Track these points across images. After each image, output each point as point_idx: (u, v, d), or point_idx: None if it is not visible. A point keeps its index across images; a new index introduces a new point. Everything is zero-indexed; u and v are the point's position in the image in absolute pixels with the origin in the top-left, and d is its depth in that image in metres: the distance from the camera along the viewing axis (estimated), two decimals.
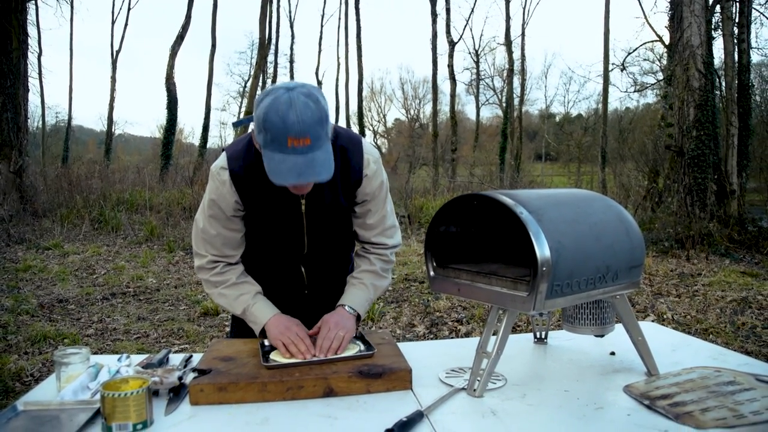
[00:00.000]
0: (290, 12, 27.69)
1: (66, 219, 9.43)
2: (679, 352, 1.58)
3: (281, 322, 1.50)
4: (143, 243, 8.33)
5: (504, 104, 24.87)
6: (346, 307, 1.58)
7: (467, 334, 4.16)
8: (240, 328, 1.69)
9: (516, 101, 25.65)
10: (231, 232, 1.57)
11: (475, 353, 1.31)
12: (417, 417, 1.12)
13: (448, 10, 22.24)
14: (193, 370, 1.35)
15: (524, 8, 27.80)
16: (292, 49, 27.01)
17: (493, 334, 1.32)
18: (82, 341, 3.98)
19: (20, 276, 6.05)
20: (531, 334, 1.71)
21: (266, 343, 1.48)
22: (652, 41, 14.49)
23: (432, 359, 1.52)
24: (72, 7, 23.54)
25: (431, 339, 4.15)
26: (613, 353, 1.56)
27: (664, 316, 4.24)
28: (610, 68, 16.40)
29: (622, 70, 16.03)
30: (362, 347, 1.45)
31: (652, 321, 4.16)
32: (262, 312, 1.54)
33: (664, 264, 6.02)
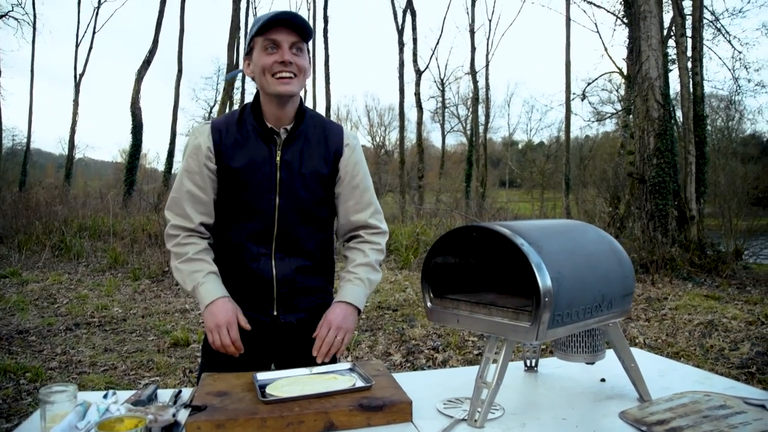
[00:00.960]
0: None
1: (24, 245, 9.10)
2: (666, 377, 1.61)
3: (224, 310, 1.50)
4: (107, 271, 8.09)
5: (469, 132, 25.40)
6: (347, 302, 1.58)
7: (444, 362, 4.15)
8: (210, 361, 1.63)
9: (480, 129, 26.23)
10: (199, 191, 1.58)
11: (474, 383, 1.32)
12: None
13: (414, 40, 22.74)
14: (188, 406, 1.31)
15: (488, 39, 28.63)
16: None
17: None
18: (45, 375, 3.81)
19: None
20: (521, 362, 1.72)
21: (259, 377, 1.45)
22: (611, 72, 15.10)
23: (427, 390, 1.51)
24: (34, 28, 23.11)
25: (408, 368, 4.13)
26: (603, 380, 1.59)
27: (636, 341, 4.33)
28: (571, 97, 16.98)
29: (582, 99, 16.63)
30: (358, 381, 1.44)
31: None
32: (209, 292, 1.52)
33: None
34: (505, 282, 1.33)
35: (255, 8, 24.64)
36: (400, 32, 22.91)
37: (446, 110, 30.58)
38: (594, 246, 1.33)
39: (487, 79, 25.32)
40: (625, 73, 14.55)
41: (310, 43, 1.63)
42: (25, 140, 24.52)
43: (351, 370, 1.52)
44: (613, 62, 14.60)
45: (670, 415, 1.29)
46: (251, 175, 1.57)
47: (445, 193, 23.20)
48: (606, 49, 17.02)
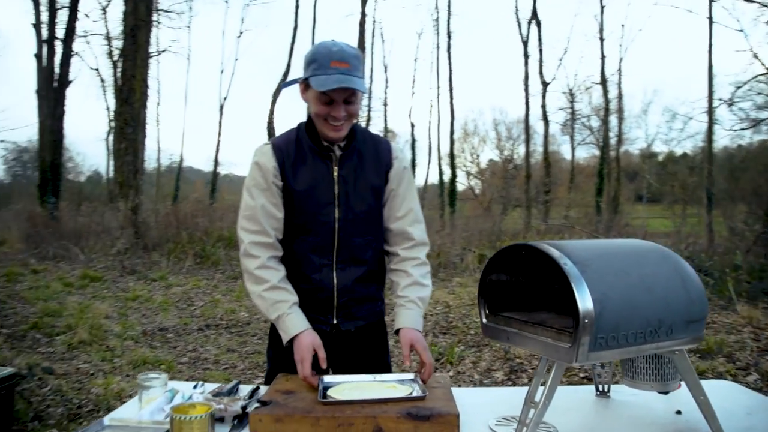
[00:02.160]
0: (384, 57, 28.72)
1: (172, 253, 10.22)
2: (755, 416, 1.47)
3: (308, 341, 1.57)
4: (239, 278, 8.82)
5: (600, 144, 24.06)
6: (412, 328, 1.64)
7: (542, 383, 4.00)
8: (274, 366, 1.76)
9: (614, 141, 24.76)
10: (272, 206, 1.67)
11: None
12: None
13: (540, 51, 22.14)
14: (258, 400, 1.46)
15: (620, 45, 26.98)
16: (386, 92, 27.87)
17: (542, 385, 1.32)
18: (176, 368, 4.29)
19: (129, 305, 6.62)
20: (593, 387, 1.66)
21: (326, 379, 1.56)
22: (763, 74, 13.49)
23: (486, 406, 1.53)
24: (189, 61, 25.99)
25: (509, 385, 4.05)
26: (679, 412, 1.49)
27: None
28: (714, 104, 15.42)
29: (729, 106, 15.03)
30: (415, 390, 1.49)
31: (755, 380, 3.81)
32: (294, 324, 1.59)
33: None
34: (557, 302, 1.32)
35: (381, 29, 25.55)
36: (525, 44, 22.43)
37: (576, 122, 29.31)
38: (654, 267, 1.27)
39: (619, 87, 23.82)
40: None
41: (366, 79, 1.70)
42: (178, 159, 27.48)
43: (412, 380, 1.58)
44: (762, 63, 13.04)
45: None
46: (312, 192, 1.68)
47: (574, 207, 22.14)
48: (751, 49, 15.20)
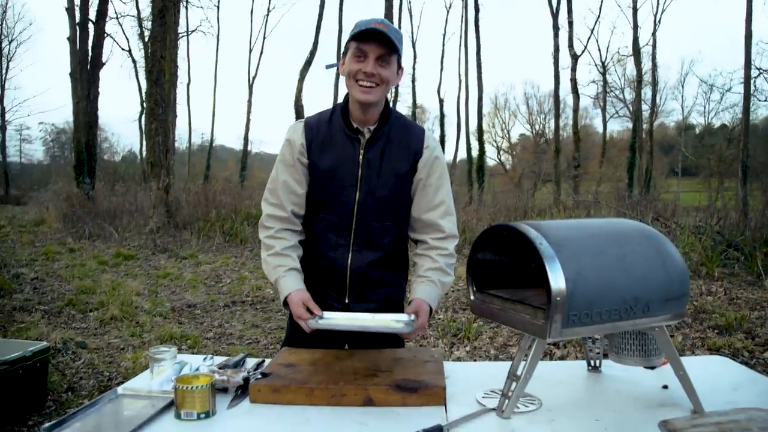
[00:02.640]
0: (412, 33, 28.45)
1: (202, 231, 10.49)
2: (741, 390, 1.50)
3: (297, 299, 1.62)
4: None
5: (633, 117, 23.45)
6: (424, 300, 1.66)
7: (562, 358, 4.05)
8: (292, 336, 1.83)
9: (647, 113, 24.12)
10: (294, 182, 1.75)
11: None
12: (436, 430, 1.22)
13: (570, 23, 21.55)
14: (259, 372, 1.55)
15: (655, 15, 25.98)
16: (414, 68, 27.64)
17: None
18: (201, 343, 4.47)
19: (159, 282, 6.87)
20: (585, 362, 1.71)
21: (325, 314, 1.59)
22: None
23: (477, 379, 1.59)
24: (218, 40, 26.18)
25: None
26: (665, 387, 1.53)
27: None
28: (753, 74, 14.85)
29: None
30: (404, 322, 1.53)
31: None
32: (286, 285, 1.65)
33: None
34: (538, 279, 1.37)
35: (410, 3, 25.15)
36: (555, 16, 21.87)
37: (610, 94, 28.62)
38: (634, 247, 1.30)
39: (654, 59, 23.19)
40: None
41: (403, 51, 1.73)
42: (209, 138, 27.93)
43: (411, 321, 1.56)
44: None
45: (713, 429, 1.23)
46: (336, 172, 1.73)
47: (606, 182, 21.76)
48: None
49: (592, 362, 1.69)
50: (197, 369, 1.58)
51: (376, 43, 1.63)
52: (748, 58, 14.98)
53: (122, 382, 3.56)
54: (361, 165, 1.72)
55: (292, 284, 1.67)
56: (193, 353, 3.82)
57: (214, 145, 28.22)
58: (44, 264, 7.81)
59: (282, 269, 1.69)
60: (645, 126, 23.76)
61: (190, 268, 7.91)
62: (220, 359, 1.75)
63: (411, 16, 32.65)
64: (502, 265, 1.45)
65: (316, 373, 1.51)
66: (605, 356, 1.66)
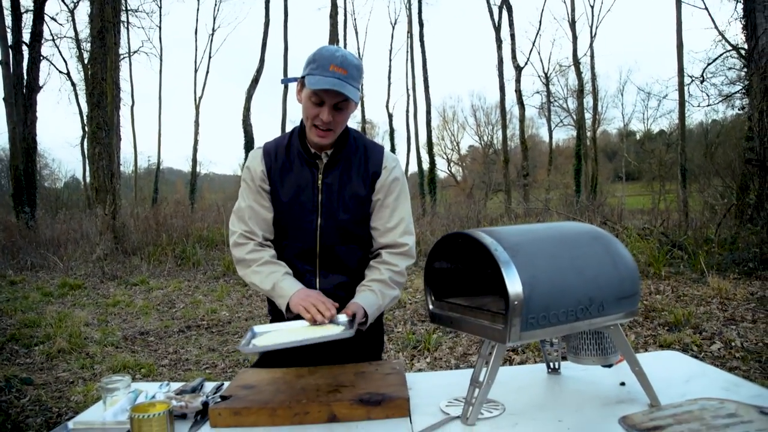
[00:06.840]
0: (359, 49, 28.65)
1: (153, 256, 10.17)
2: (692, 382, 1.56)
3: (303, 293, 1.60)
4: (220, 278, 8.82)
5: (576, 125, 24.30)
6: (358, 304, 1.63)
7: (522, 363, 4.11)
8: (264, 356, 1.81)
9: (590, 121, 25.03)
10: (260, 207, 1.73)
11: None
12: None
13: (512, 36, 22.26)
14: (218, 396, 1.51)
15: (591, 27, 27.10)
16: (361, 84, 27.76)
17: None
18: (156, 371, 4.31)
19: (109, 310, 6.61)
20: (545, 365, 1.74)
21: (256, 329, 1.58)
22: (728, 51, 13.71)
23: (440, 389, 1.59)
24: (161, 60, 25.66)
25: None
26: (623, 383, 1.57)
27: (732, 344, 3.99)
28: (686, 81, 15.64)
29: (701, 82, 15.27)
30: (343, 329, 1.49)
31: (718, 348, 3.94)
32: (288, 286, 1.63)
33: (743, 287, 5.65)
34: (495, 286, 1.39)
35: (355, 21, 25.39)
36: (497, 29, 22.55)
37: (553, 104, 29.57)
38: (585, 248, 1.34)
39: (592, 69, 24.09)
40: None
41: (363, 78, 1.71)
42: (156, 160, 27.23)
43: (350, 322, 1.56)
44: (728, 41, 13.19)
45: (670, 421, 1.27)
46: (296, 198, 1.72)
47: (554, 189, 22.41)
48: (717, 27, 15.40)
49: (551, 364, 1.72)
50: (153, 396, 1.52)
51: (334, 92, 1.59)
52: (680, 66, 15.80)
53: (73, 418, 3.41)
54: (321, 190, 1.72)
55: (293, 286, 1.65)
56: (148, 382, 3.68)
57: (161, 167, 27.51)
58: None
59: (278, 274, 1.67)
60: (589, 134, 24.66)
61: (142, 294, 7.65)
62: (176, 385, 1.70)
63: (357, 32, 32.91)
64: (458, 273, 1.47)
65: (278, 392, 1.48)
66: (564, 358, 1.69)
